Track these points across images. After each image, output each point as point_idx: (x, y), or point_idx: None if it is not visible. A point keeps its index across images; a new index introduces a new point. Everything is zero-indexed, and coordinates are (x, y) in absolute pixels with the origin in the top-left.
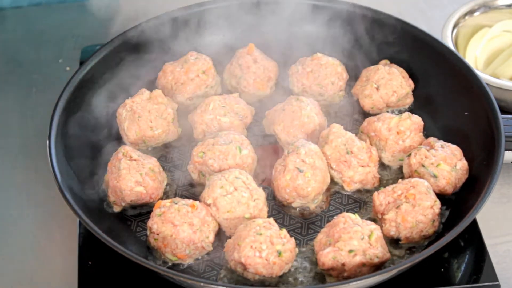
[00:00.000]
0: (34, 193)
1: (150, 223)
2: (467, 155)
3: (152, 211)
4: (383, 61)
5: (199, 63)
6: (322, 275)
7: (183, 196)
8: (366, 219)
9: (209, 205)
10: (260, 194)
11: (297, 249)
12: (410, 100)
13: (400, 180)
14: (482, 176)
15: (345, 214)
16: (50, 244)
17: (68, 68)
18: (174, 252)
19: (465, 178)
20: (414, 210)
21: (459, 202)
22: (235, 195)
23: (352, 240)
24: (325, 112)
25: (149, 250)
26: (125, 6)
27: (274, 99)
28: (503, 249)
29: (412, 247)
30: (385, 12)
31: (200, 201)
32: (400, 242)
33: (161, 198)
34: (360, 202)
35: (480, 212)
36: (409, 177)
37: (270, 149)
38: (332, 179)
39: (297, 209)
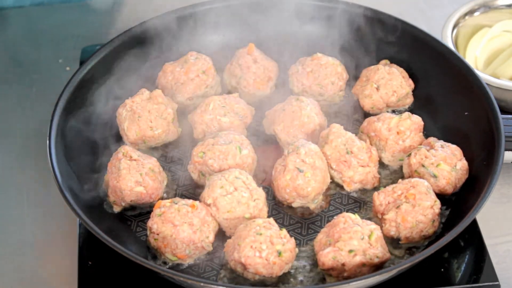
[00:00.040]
0: (34, 193)
1: (150, 223)
2: (467, 155)
3: (152, 211)
4: (383, 61)
5: (199, 63)
6: (322, 275)
7: (183, 196)
8: (366, 219)
9: (209, 205)
10: (260, 194)
11: (297, 249)
12: (410, 100)
13: (400, 180)
14: (482, 176)
15: (345, 214)
16: (50, 244)
17: (68, 68)
18: (174, 252)
19: (465, 178)
20: (414, 210)
21: (459, 202)
22: (235, 195)
23: (352, 240)
24: (325, 112)
25: (149, 250)
26: (125, 5)
27: (274, 99)
28: (503, 249)
29: (412, 247)
30: (385, 12)
31: (200, 201)
32: (400, 242)
33: (161, 198)
34: (360, 202)
35: (480, 212)
36: (409, 177)
37: (270, 149)
38: (332, 179)
39: (297, 209)
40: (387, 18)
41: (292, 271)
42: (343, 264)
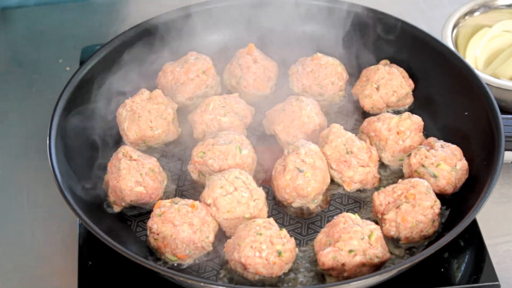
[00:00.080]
0: (34, 193)
1: (150, 223)
2: (467, 155)
3: (152, 211)
4: (383, 61)
5: (199, 63)
6: (322, 275)
7: (183, 196)
8: (366, 219)
9: (209, 205)
10: (260, 194)
11: (297, 249)
12: (410, 100)
13: (400, 180)
14: (482, 176)
15: (345, 214)
16: (50, 244)
17: (68, 68)
18: (174, 252)
19: (465, 178)
20: (414, 210)
21: (459, 202)
22: (235, 195)
23: (352, 240)
24: (325, 112)
25: (149, 250)
26: (125, 5)
27: (274, 99)
28: (503, 249)
29: (412, 247)
30: (385, 12)
31: (200, 201)
32: (400, 242)
33: (161, 198)
34: (360, 202)
35: (480, 212)
36: (409, 177)
37: (270, 149)
38: (332, 179)
39: (297, 209)
40: (387, 18)
41: (292, 271)
42: (343, 264)
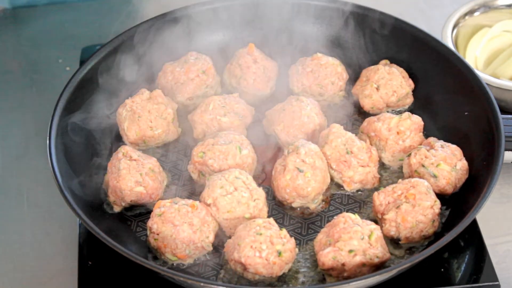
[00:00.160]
0: (34, 193)
1: (150, 223)
2: (467, 155)
3: (152, 211)
4: (383, 61)
5: (199, 63)
6: (322, 275)
7: (183, 196)
8: (366, 219)
9: (209, 205)
10: (260, 194)
11: (297, 249)
12: (410, 100)
13: (400, 180)
14: (482, 176)
15: (345, 214)
16: (50, 244)
17: (68, 68)
18: (174, 252)
19: (465, 178)
20: (414, 210)
21: (459, 202)
22: (235, 195)
23: (352, 240)
24: (325, 112)
25: (149, 250)
26: (126, 5)
27: (274, 99)
28: (503, 249)
29: (412, 247)
30: (385, 12)
31: (200, 201)
32: (400, 242)
33: (161, 198)
34: (360, 202)
35: (480, 212)
36: (409, 177)
37: (270, 149)
38: (332, 179)
39: (297, 209)
40: (387, 18)
41: (292, 271)
42: (343, 264)
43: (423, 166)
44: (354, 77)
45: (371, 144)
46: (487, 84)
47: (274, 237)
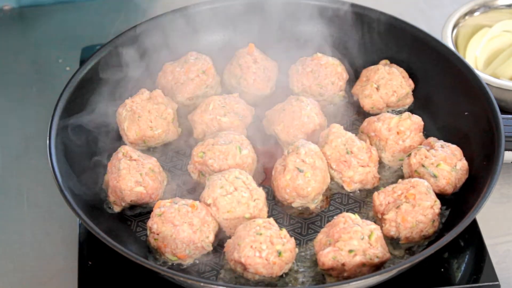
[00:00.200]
0: (34, 193)
1: (150, 223)
2: (467, 155)
3: (152, 211)
4: (383, 61)
5: (199, 63)
6: (322, 275)
7: (183, 196)
8: (366, 219)
9: (209, 205)
10: (260, 194)
11: (297, 249)
12: (410, 100)
13: (400, 180)
14: (482, 176)
15: (345, 214)
16: (50, 244)
17: (68, 68)
18: (174, 252)
19: (465, 178)
20: (414, 210)
21: (459, 202)
22: (235, 195)
23: (352, 240)
24: (325, 112)
25: (149, 250)
26: (126, 5)
27: (274, 99)
28: (503, 249)
29: (412, 247)
30: (385, 12)
31: (200, 201)
32: (400, 242)
33: (161, 198)
34: (360, 202)
35: (480, 212)
36: (409, 177)
37: (270, 149)
38: (332, 179)
39: (297, 209)
40: (387, 18)
41: (292, 271)
42: (343, 264)
43: (423, 166)
44: (354, 77)
45: (371, 144)
46: (487, 84)
47: (274, 237)
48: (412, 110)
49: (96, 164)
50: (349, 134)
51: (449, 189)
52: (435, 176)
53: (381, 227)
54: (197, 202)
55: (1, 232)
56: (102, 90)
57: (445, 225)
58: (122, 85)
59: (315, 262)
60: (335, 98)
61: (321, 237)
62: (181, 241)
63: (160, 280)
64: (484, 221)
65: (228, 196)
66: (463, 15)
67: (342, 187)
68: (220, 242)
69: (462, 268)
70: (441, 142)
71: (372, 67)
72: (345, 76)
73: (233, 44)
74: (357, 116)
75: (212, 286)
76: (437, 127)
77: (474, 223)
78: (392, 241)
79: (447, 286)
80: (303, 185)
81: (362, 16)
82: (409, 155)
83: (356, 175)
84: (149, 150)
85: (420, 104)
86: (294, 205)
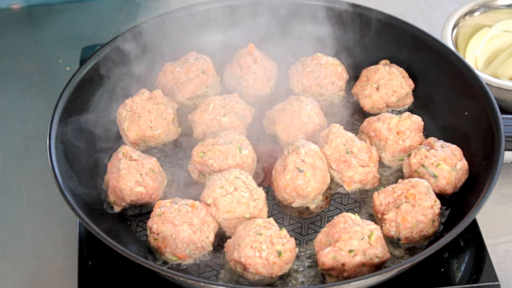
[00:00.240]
0: (34, 193)
1: (150, 223)
2: (467, 155)
3: (152, 211)
4: (383, 61)
5: (199, 63)
6: (322, 275)
7: (183, 196)
8: (366, 219)
9: (209, 205)
10: (260, 194)
11: (297, 249)
12: (410, 100)
13: (400, 180)
14: (482, 176)
15: (345, 214)
16: (50, 244)
17: (68, 68)
18: (174, 252)
19: (465, 178)
20: (414, 210)
21: (459, 202)
22: (235, 195)
23: (352, 240)
24: (325, 112)
25: (149, 250)
26: (126, 5)
27: (274, 99)
28: (503, 249)
29: (412, 247)
30: (385, 12)
31: (200, 201)
32: (400, 242)
33: (161, 198)
34: (360, 202)
35: (480, 212)
36: (409, 177)
37: (270, 149)
38: (332, 179)
39: (297, 209)
40: (387, 18)
41: (292, 271)
42: (343, 264)
43: (423, 166)
44: (354, 77)
45: (371, 144)
46: (487, 84)
47: (274, 237)
48: (412, 110)
49: (96, 164)
50: (349, 134)
51: (449, 189)
52: (435, 176)
53: (381, 227)
54: (197, 202)
55: (1, 232)
56: (102, 90)
57: (445, 225)
58: (122, 85)
59: (315, 262)
60: (335, 98)
61: (321, 237)
62: (181, 241)
63: (160, 280)
64: (484, 221)
65: (228, 196)
66: (463, 15)
67: (342, 187)
68: (220, 242)
69: (462, 268)
70: (441, 142)
71: (372, 67)
72: (345, 76)
73: (233, 44)
74: (357, 116)
75: (212, 286)
76: (437, 127)
77: (474, 223)
78: (392, 241)
79: (447, 286)
80: (303, 185)
81: (362, 16)
82: (409, 155)
83: (356, 175)
84: (149, 150)
85: (420, 104)
86: (294, 205)
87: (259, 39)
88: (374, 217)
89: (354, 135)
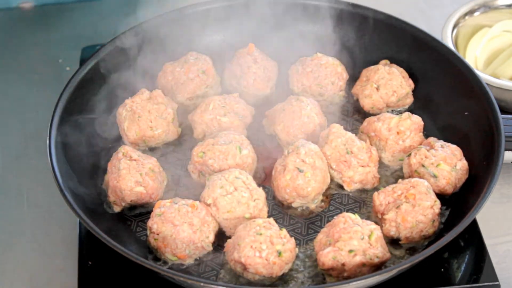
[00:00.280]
0: (34, 193)
1: (150, 223)
2: (467, 155)
3: (152, 211)
4: (383, 61)
5: (199, 63)
6: (322, 275)
7: (183, 196)
8: (366, 219)
9: (209, 205)
10: (260, 194)
11: (297, 249)
12: (410, 100)
13: (400, 180)
14: (482, 176)
15: (345, 214)
16: (50, 244)
17: (68, 68)
18: (174, 252)
19: (465, 178)
20: (414, 210)
21: (459, 202)
22: (235, 195)
23: (352, 240)
24: (325, 112)
25: (149, 250)
26: (126, 5)
27: (274, 99)
28: (503, 249)
29: (412, 247)
30: (385, 12)
31: (200, 201)
32: (400, 242)
33: (161, 198)
34: (360, 202)
35: (480, 212)
36: (409, 177)
37: (270, 149)
38: (332, 179)
39: (297, 209)
40: (387, 18)
41: (292, 271)
42: (343, 264)
43: (423, 166)
44: (354, 77)
45: (371, 144)
46: (487, 84)
47: (274, 237)
48: (412, 110)
49: (96, 164)
50: (349, 134)
51: (449, 189)
52: (435, 176)
53: (381, 227)
54: (197, 202)
55: (1, 232)
56: (102, 90)
57: (445, 225)
58: (122, 85)
59: (315, 262)
60: (335, 98)
61: (321, 237)
62: (181, 241)
63: (160, 280)
64: (484, 221)
65: (228, 196)
66: (463, 15)
67: (342, 187)
68: (220, 242)
69: (462, 268)
70: (441, 142)
71: (372, 67)
72: (345, 76)
73: (233, 44)
74: (357, 116)
75: (212, 286)
76: (437, 127)
77: (474, 223)
78: (392, 241)
79: (447, 286)
80: (303, 185)
81: (362, 16)
82: (409, 155)
83: (356, 175)
84: (149, 150)
85: (420, 104)
86: (294, 205)
87: (259, 39)
88: (374, 217)
89: (354, 135)
